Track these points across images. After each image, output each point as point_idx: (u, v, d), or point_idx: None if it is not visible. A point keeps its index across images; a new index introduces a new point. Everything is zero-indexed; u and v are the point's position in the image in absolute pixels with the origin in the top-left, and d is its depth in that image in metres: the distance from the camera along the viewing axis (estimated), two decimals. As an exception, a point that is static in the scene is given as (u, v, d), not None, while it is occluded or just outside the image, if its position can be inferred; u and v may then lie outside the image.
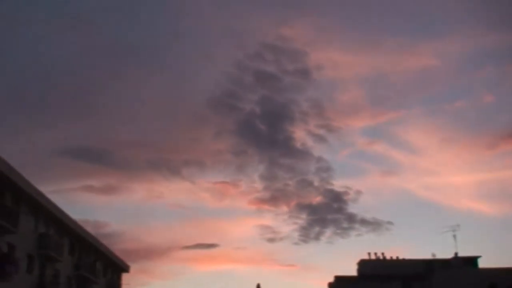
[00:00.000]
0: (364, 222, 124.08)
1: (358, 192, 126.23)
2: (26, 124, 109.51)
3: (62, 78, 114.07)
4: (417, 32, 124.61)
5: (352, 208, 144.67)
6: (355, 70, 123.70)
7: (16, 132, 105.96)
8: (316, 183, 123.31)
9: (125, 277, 65.26)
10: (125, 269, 64.08)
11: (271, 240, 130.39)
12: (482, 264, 64.37)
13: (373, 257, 69.51)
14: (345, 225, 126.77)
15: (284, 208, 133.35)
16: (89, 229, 53.52)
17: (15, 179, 35.72)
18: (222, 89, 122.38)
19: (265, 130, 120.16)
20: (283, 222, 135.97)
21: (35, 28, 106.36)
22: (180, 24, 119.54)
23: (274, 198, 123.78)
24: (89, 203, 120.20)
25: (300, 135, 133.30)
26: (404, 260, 68.25)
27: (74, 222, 47.43)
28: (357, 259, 69.09)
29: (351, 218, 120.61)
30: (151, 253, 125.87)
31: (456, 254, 65.65)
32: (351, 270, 73.19)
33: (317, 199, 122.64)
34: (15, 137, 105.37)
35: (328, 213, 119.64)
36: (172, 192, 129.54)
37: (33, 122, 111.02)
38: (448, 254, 66.66)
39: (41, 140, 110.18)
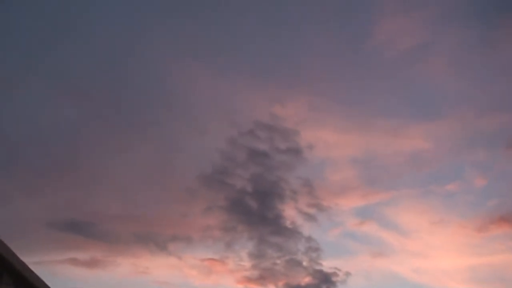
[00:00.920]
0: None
1: (347, 274, 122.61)
2: (14, 194, 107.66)
3: (52, 147, 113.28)
4: (408, 114, 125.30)
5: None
6: (346, 150, 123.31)
7: (2, 201, 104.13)
8: (305, 263, 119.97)
9: None
10: None
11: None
12: None
13: None
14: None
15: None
16: (72, 303, 51.81)
17: (-2, 249, 34.60)
18: (215, 164, 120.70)
19: (255, 207, 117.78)
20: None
21: (27, 93, 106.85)
22: (174, 98, 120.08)
23: (262, 278, 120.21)
24: (73, 276, 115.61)
25: (290, 213, 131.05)
26: None
27: (57, 297, 45.81)
28: None
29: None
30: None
31: None
32: None
33: (305, 280, 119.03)
34: (2, 206, 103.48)
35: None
36: (158, 267, 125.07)
37: (20, 191, 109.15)
38: None
39: (28, 210, 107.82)
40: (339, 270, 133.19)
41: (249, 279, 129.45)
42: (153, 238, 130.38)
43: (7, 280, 34.10)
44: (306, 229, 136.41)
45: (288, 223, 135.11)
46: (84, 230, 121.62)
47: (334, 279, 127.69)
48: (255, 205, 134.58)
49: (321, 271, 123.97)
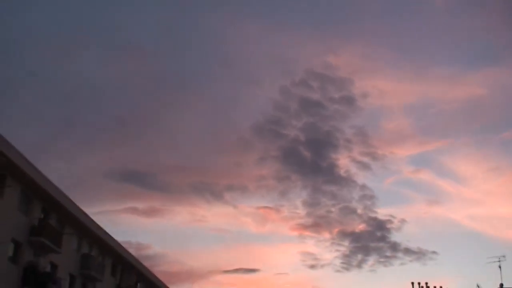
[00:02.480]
0: (408, 251, 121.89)
1: (402, 221, 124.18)
2: (75, 148, 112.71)
3: (110, 104, 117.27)
4: (465, 61, 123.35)
5: (395, 237, 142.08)
6: (401, 98, 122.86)
7: (65, 155, 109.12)
8: (359, 211, 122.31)
9: (166, 299, 65.81)
10: (166, 291, 64.65)
11: (312, 266, 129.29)
12: (527, 295, 62.51)
13: (416, 286, 68.30)
14: (388, 253, 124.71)
15: (327, 235, 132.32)
16: (132, 250, 54.69)
17: (61, 200, 37.02)
18: (267, 115, 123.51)
19: (308, 156, 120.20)
20: (325, 249, 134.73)
21: (85, 54, 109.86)
22: (226, 50, 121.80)
23: (316, 225, 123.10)
24: (132, 225, 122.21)
25: (344, 162, 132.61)
26: (448, 290, 66.91)
27: (117, 243, 48.51)
28: (400, 288, 68.02)
29: (395, 247, 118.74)
30: (192, 276, 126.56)
31: (501, 285, 63.77)
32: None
33: (360, 227, 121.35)
34: (64, 160, 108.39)
35: (371, 241, 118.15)
36: (214, 216, 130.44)
37: (83, 145, 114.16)
38: (493, 285, 64.93)
39: (90, 163, 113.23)
40: (394, 217, 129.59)
41: (303, 227, 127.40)
42: (209, 188, 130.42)
43: (69, 230, 36.43)
44: (361, 177, 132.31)
45: (342, 172, 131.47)
46: (143, 181, 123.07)
47: (388, 226, 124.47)
48: (309, 154, 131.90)
49: (375, 219, 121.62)
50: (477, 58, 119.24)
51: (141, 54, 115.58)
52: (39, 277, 34.09)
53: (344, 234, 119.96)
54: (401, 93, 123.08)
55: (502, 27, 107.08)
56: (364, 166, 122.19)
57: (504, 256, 65.17)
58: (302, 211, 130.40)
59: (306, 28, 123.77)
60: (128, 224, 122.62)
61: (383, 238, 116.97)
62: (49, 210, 37.16)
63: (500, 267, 64.11)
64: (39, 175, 34.46)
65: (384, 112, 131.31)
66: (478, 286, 62.64)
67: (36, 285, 33.60)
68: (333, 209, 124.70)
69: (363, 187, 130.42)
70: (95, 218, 44.23)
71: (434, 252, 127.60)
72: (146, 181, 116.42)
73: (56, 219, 38.05)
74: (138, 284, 55.51)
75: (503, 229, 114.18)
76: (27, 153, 33.13)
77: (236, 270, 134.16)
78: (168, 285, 65.12)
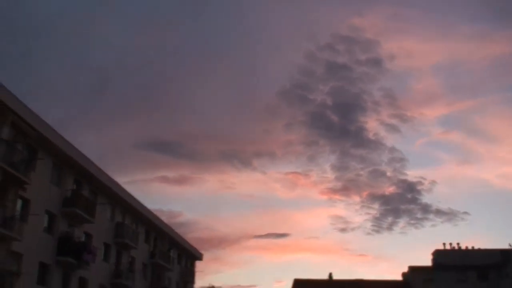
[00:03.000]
0: (439, 212, 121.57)
1: (433, 182, 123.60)
2: (105, 119, 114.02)
3: (138, 74, 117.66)
4: (494, 18, 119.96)
5: (426, 199, 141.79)
6: (429, 59, 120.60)
7: (94, 126, 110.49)
8: (389, 173, 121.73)
9: (198, 264, 67.33)
10: (198, 257, 65.98)
11: (343, 230, 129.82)
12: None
13: (448, 247, 68.13)
14: (419, 215, 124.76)
15: (356, 198, 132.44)
16: (164, 218, 55.62)
17: (93, 171, 37.65)
18: (293, 80, 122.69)
19: (336, 120, 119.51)
20: (355, 212, 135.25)
21: (111, 25, 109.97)
22: (251, 16, 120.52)
23: (345, 188, 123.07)
24: (163, 194, 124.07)
25: (372, 125, 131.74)
26: (480, 250, 66.49)
27: (149, 212, 49.30)
28: (432, 250, 68.36)
29: (426, 209, 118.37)
30: (223, 242, 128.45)
31: (533, 243, 63.29)
32: (426, 261, 71.63)
33: (390, 189, 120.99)
34: (93, 132, 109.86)
35: (401, 204, 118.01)
36: (243, 183, 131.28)
37: (111, 116, 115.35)
38: (524, 245, 64.38)
39: (118, 133, 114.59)
40: (424, 179, 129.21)
41: (332, 191, 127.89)
42: (238, 155, 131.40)
43: (102, 200, 37.15)
44: (390, 140, 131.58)
45: (370, 135, 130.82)
46: (172, 150, 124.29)
47: (419, 188, 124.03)
48: (336, 118, 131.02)
49: (405, 181, 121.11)
50: (505, 15, 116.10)
51: (166, 23, 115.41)
52: (74, 246, 34.92)
53: (374, 197, 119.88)
54: (429, 53, 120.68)
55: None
56: (393, 129, 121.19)
57: (535, 215, 64.72)
58: (331, 175, 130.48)
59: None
60: (159, 192, 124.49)
61: (413, 200, 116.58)
62: (82, 181, 37.82)
63: (531, 226, 63.75)
64: (70, 147, 35.00)
65: (412, 73, 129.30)
66: (510, 245, 62.27)
67: (72, 255, 34.44)
68: (362, 173, 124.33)
69: (392, 149, 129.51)
70: (127, 188, 44.99)
71: (465, 213, 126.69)
72: (175, 150, 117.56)
73: (88, 189, 38.75)
74: (171, 251, 56.58)
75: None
76: (57, 126, 33.67)
77: (267, 235, 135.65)
78: (200, 251, 66.30)
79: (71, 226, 36.10)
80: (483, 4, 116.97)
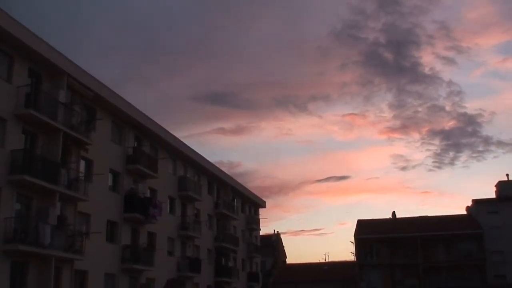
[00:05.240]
0: (500, 143, 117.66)
1: (493, 113, 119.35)
2: (157, 74, 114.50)
3: (185, 27, 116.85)
4: None
5: (487, 131, 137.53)
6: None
7: (149, 82, 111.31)
8: (447, 108, 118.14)
9: (262, 212, 68.04)
10: (261, 204, 66.44)
11: (403, 168, 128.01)
12: None
13: (512, 178, 66.16)
14: (480, 148, 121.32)
15: (416, 136, 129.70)
16: (224, 169, 56.01)
17: (151, 127, 37.84)
18: (344, 20, 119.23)
19: (390, 58, 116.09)
20: (415, 149, 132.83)
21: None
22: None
23: (404, 126, 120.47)
24: (221, 145, 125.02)
25: (427, 59, 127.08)
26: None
27: (209, 164, 49.61)
28: (495, 182, 66.11)
29: (487, 141, 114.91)
30: (284, 188, 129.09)
31: None
32: (489, 193, 69.66)
33: (449, 124, 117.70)
34: (149, 87, 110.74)
35: (462, 137, 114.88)
36: (300, 128, 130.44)
37: (163, 72, 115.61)
38: None
39: (172, 88, 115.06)
40: (484, 110, 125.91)
41: (391, 129, 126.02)
42: (292, 101, 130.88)
43: (163, 155, 37.41)
44: (446, 73, 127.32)
45: (426, 70, 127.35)
46: (227, 100, 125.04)
47: (479, 120, 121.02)
48: (390, 56, 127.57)
49: (465, 114, 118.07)
50: None
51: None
52: (139, 202, 35.49)
53: (433, 133, 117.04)
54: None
55: None
56: (449, 61, 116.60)
57: None
58: (388, 114, 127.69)
59: None
60: (217, 144, 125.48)
61: (474, 133, 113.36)
62: (142, 138, 38.09)
63: None
64: (128, 105, 35.05)
65: (465, 1, 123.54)
66: None
67: (138, 210, 35.04)
68: (420, 109, 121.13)
69: (450, 83, 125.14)
70: (185, 141, 45.16)
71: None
72: (229, 101, 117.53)
73: (149, 145, 39.04)
74: (235, 200, 57.05)
75: None
76: (112, 84, 33.73)
77: (328, 179, 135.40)
78: (262, 198, 66.69)
79: (136, 183, 36.62)
80: None
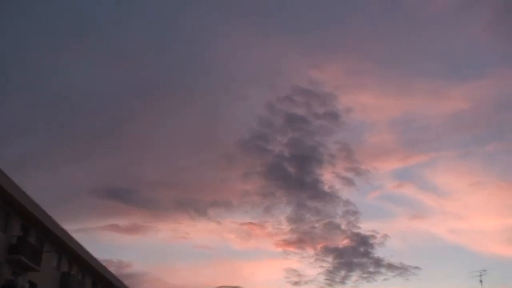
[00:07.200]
0: (391, 266, 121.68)
1: (385, 236, 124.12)
2: (58, 160, 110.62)
3: (94, 113, 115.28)
4: (448, 75, 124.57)
5: (379, 252, 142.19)
6: (384, 113, 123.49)
7: (47, 169, 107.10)
8: (343, 226, 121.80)
9: (146, 319, 64.58)
10: (147, 311, 63.48)
11: (296, 283, 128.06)
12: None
13: (399, 302, 68.03)
14: (371, 269, 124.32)
15: (311, 251, 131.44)
16: (112, 269, 53.65)
17: (40, 217, 36.19)
18: (253, 130, 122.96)
19: (293, 172, 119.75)
20: (309, 265, 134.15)
21: (73, 64, 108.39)
22: (213, 64, 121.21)
23: (300, 241, 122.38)
24: (113, 243, 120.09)
25: (328, 177, 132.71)
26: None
27: (97, 262, 47.54)
28: (383, 304, 67.52)
29: (378, 262, 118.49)
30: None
31: (483, 299, 63.81)
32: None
33: (343, 242, 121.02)
34: (47, 174, 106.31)
35: (354, 257, 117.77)
36: (197, 232, 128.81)
37: (65, 158, 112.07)
38: (474, 299, 64.94)
39: (72, 177, 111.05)
40: (377, 232, 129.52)
41: (287, 243, 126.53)
42: (193, 204, 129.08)
43: (49, 247, 35.29)
44: (344, 193, 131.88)
45: (326, 187, 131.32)
46: (125, 197, 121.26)
47: (371, 241, 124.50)
48: (293, 170, 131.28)
49: (359, 234, 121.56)
50: (460, 71, 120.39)
51: (126, 62, 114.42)
52: (17, 296, 33.05)
53: (328, 250, 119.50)
54: (385, 107, 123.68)
55: (485, 41, 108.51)
56: (348, 182, 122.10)
57: (485, 270, 65.43)
58: (286, 226, 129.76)
59: (292, 42, 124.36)
60: (110, 241, 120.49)
61: (366, 254, 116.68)
62: (29, 227, 36.16)
63: (481, 281, 64.31)
64: (18, 191, 33.53)
65: (368, 126, 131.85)
66: None
67: (14, 305, 32.54)
68: (317, 225, 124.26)
69: (347, 202, 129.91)
70: (76, 235, 43.38)
71: (416, 267, 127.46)
72: (129, 197, 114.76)
73: (35, 236, 37.05)
74: (119, 303, 54.34)
75: (485, 243, 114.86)
76: (7, 167, 32.27)
77: None
78: (148, 304, 63.96)
79: (16, 275, 34.23)
80: (439, 60, 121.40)
